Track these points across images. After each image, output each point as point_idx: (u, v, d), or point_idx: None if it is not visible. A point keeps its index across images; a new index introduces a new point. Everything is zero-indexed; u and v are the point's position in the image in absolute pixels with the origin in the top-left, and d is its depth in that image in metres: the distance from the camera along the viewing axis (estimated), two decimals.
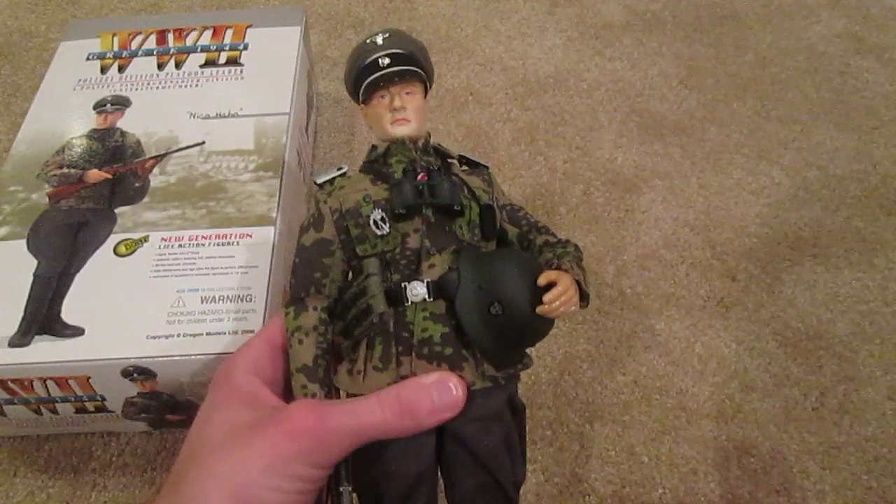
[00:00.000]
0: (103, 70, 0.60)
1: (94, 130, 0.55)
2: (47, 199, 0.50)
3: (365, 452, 0.32)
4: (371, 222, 0.34)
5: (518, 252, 0.36)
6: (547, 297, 0.32)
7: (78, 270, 0.46)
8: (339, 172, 0.37)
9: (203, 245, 0.47)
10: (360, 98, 0.39)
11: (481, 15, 0.82)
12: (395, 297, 0.33)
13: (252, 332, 0.44)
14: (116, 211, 0.49)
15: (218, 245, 0.48)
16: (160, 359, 0.42)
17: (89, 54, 0.61)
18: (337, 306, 0.35)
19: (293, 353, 0.33)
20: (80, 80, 0.59)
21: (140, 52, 0.61)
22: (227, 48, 0.61)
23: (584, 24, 0.82)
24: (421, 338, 0.32)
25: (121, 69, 0.60)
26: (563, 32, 0.80)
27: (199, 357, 0.42)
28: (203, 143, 0.54)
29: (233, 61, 0.60)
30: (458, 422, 0.32)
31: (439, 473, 0.34)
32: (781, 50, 0.79)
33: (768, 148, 0.69)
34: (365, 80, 0.38)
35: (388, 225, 0.34)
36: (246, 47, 0.61)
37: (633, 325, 0.56)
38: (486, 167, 0.40)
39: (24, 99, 0.71)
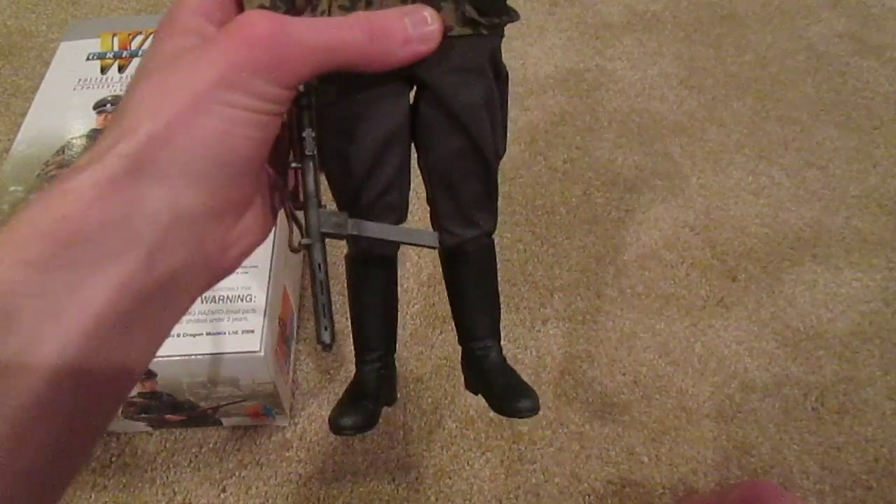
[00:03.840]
0: (103, 70, 0.60)
1: (94, 130, 0.55)
2: None
3: (329, 117, 0.29)
4: None
5: None
6: None
7: None
8: None
9: None
10: None
11: None
12: None
13: (252, 331, 0.44)
14: None
15: None
16: (160, 359, 0.42)
17: (89, 54, 0.61)
18: None
19: None
20: (80, 80, 0.59)
21: (140, 53, 0.61)
22: None
23: (584, 24, 0.82)
24: None
25: (121, 69, 0.60)
26: (563, 32, 0.80)
27: (199, 357, 0.42)
28: None
29: None
30: (435, 73, 0.29)
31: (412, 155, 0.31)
32: (781, 50, 0.79)
33: (768, 148, 0.69)
34: None
35: None
36: None
37: (633, 325, 0.56)
38: None
39: (24, 99, 0.71)
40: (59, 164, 0.52)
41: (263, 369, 0.45)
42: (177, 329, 0.45)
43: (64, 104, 0.57)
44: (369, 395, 0.32)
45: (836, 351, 0.55)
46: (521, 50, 0.78)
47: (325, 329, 0.29)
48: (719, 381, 0.53)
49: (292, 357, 0.53)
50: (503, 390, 0.32)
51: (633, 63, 0.77)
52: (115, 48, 0.62)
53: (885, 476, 0.49)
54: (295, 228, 0.29)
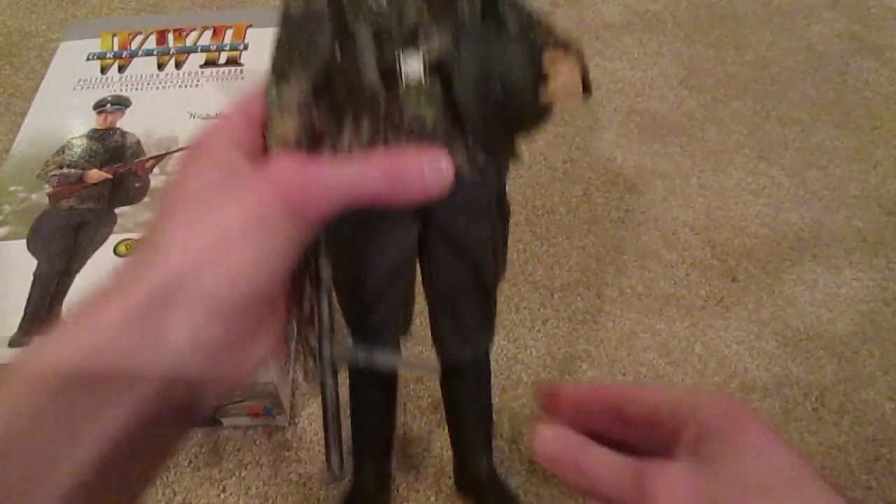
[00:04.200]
0: (103, 70, 0.60)
1: (94, 130, 0.55)
2: (47, 199, 0.50)
3: (343, 245, 0.31)
4: None
5: (522, 32, 0.34)
6: (553, 74, 0.31)
7: (78, 270, 0.46)
8: None
9: None
10: None
11: None
12: (388, 74, 0.31)
13: None
14: (116, 211, 0.49)
15: None
16: None
17: (89, 54, 0.61)
18: (321, 84, 0.32)
19: (274, 126, 0.31)
20: (80, 80, 0.59)
21: (140, 52, 0.61)
22: (227, 48, 0.61)
23: (584, 24, 0.82)
24: (413, 117, 0.31)
25: (121, 69, 0.60)
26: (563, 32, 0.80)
27: None
28: None
29: (233, 61, 0.60)
30: (445, 210, 0.31)
31: (419, 271, 0.33)
32: (781, 50, 0.79)
33: (768, 148, 0.69)
34: None
35: None
36: (246, 47, 0.61)
37: (633, 325, 0.56)
38: None
39: (24, 99, 0.71)
40: (59, 164, 0.52)
41: (263, 369, 0.45)
42: None
43: (64, 104, 0.57)
44: (367, 502, 0.33)
45: (836, 351, 0.55)
46: None
47: (336, 457, 0.29)
48: (719, 381, 0.53)
49: (292, 357, 0.53)
50: (492, 500, 0.34)
51: (633, 63, 0.77)
52: (115, 48, 0.62)
53: (885, 476, 0.49)
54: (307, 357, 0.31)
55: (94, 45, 0.62)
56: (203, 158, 0.30)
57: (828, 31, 0.81)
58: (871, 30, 0.81)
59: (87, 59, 0.61)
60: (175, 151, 0.53)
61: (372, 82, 0.30)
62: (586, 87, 0.33)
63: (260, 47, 0.61)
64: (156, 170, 0.52)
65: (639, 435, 0.34)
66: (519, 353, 0.54)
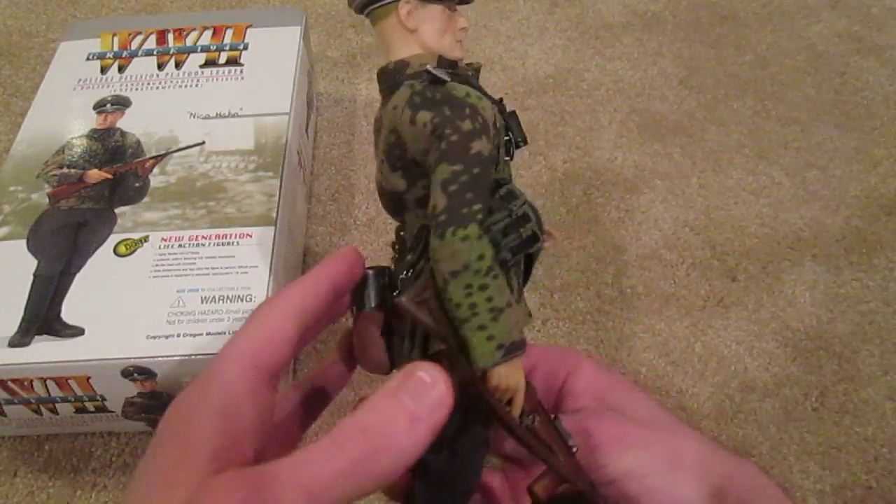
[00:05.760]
0: (103, 70, 0.60)
1: (94, 130, 0.55)
2: (47, 199, 0.50)
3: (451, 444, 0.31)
4: (503, 144, 0.32)
5: None
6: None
7: (78, 270, 0.46)
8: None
9: (203, 245, 0.47)
10: None
11: (481, 15, 0.81)
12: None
13: None
14: (116, 211, 0.50)
15: (218, 245, 0.48)
16: (160, 359, 0.42)
17: (89, 54, 0.61)
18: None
19: (492, 291, 0.27)
20: (80, 80, 0.59)
21: (140, 52, 0.61)
22: (227, 48, 0.61)
23: (584, 24, 0.82)
24: (521, 278, 0.32)
25: (121, 69, 0.60)
26: (563, 32, 0.80)
27: (199, 357, 0.42)
28: (203, 143, 0.54)
29: (233, 61, 0.60)
30: None
31: None
32: (781, 50, 0.79)
33: (768, 148, 0.69)
34: None
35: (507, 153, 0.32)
36: (246, 47, 0.61)
37: (633, 325, 0.56)
38: None
39: (24, 99, 0.71)
40: (59, 164, 0.52)
41: None
42: (177, 329, 0.45)
43: (64, 104, 0.57)
44: None
45: (836, 351, 0.55)
46: (521, 50, 0.78)
47: None
48: (719, 381, 0.53)
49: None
50: None
51: (633, 63, 0.77)
52: (115, 48, 0.62)
53: (885, 476, 0.49)
54: None
55: (94, 45, 0.62)
56: (213, 394, 0.24)
57: (828, 31, 0.81)
58: (871, 30, 0.81)
59: (87, 59, 0.61)
60: (175, 151, 0.53)
61: (542, 237, 0.31)
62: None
63: (260, 47, 0.61)
64: (156, 170, 0.52)
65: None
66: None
